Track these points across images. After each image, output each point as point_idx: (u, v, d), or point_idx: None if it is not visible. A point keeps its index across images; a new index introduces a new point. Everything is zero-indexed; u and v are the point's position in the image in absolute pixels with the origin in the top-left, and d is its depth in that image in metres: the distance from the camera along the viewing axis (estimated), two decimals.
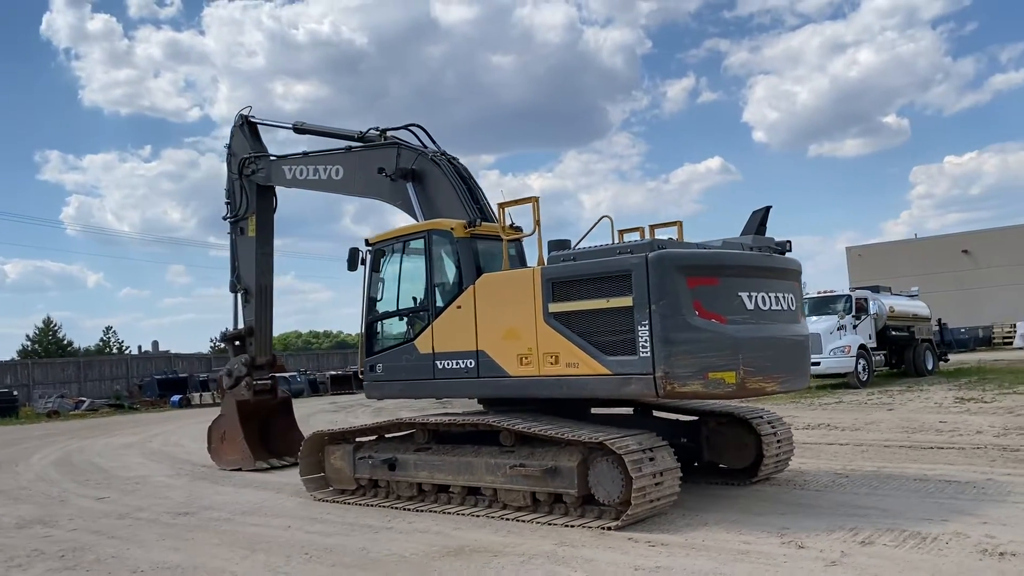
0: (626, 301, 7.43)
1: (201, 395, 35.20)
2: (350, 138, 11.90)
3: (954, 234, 55.76)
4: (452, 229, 8.95)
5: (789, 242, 8.93)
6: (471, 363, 8.60)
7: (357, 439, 9.86)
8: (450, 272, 9.05)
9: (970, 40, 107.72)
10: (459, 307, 8.72)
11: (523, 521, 7.83)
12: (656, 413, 9.85)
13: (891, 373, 25.79)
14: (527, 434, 7.97)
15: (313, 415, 24.34)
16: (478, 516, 8.19)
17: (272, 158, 12.92)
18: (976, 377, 22.90)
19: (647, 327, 7.28)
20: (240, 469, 12.65)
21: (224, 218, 13.64)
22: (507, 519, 7.95)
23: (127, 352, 55.00)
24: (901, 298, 26.36)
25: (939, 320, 28.71)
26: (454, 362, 8.76)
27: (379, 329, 9.75)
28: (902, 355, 25.27)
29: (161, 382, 38.15)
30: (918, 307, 26.49)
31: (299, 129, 12.67)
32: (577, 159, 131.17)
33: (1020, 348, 42.63)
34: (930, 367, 25.42)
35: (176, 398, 34.56)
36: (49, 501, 10.95)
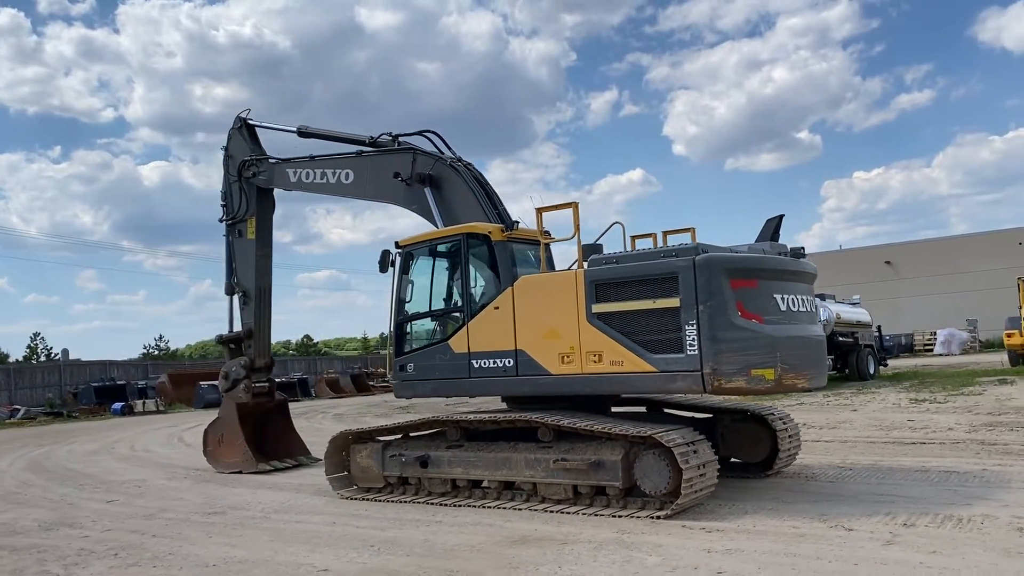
0: (673, 302, 7.85)
1: (144, 402, 34.36)
2: (360, 143, 12.06)
3: (878, 246, 58.30)
4: (490, 233, 9.24)
5: (803, 248, 9.50)
6: (509, 362, 8.89)
7: (381, 438, 10.05)
8: (486, 274, 9.32)
9: (878, 61, 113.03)
10: (497, 308, 9.01)
11: (567, 513, 8.16)
12: (667, 410, 10.28)
13: (835, 377, 26.93)
14: (571, 430, 8.30)
15: None
16: (520, 510, 8.48)
17: (274, 161, 12.97)
18: (916, 381, 24.16)
19: (694, 326, 7.71)
20: (240, 472, 12.64)
21: (220, 220, 13.61)
22: (551, 511, 8.26)
23: (56, 359, 53.09)
24: (845, 305, 27.60)
25: (878, 327, 30.12)
26: (491, 361, 9.03)
27: (410, 330, 9.96)
28: (846, 360, 26.44)
29: (98, 390, 37.11)
30: (861, 314, 27.77)
31: (303, 133, 12.74)
32: (503, 168, 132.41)
33: (941, 354, 44.84)
34: (872, 371, 26.66)
35: (118, 406, 33.63)
36: (55, 504, 10.79)
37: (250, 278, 13.26)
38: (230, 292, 13.59)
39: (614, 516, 7.90)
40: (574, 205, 8.80)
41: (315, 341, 77.77)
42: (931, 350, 46.98)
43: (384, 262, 9.87)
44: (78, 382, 39.93)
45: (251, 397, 13.03)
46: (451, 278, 9.65)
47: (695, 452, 7.84)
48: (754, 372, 7.77)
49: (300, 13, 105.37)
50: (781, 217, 9.84)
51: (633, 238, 10.33)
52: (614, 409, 9.79)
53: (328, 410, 29.18)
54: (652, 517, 7.69)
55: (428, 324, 9.89)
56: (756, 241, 9.78)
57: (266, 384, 13.37)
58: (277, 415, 13.73)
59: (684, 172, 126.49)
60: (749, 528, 7.16)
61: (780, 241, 9.80)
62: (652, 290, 8.00)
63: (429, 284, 9.78)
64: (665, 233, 10.32)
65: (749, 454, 9.76)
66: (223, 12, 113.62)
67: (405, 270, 9.90)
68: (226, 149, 13.52)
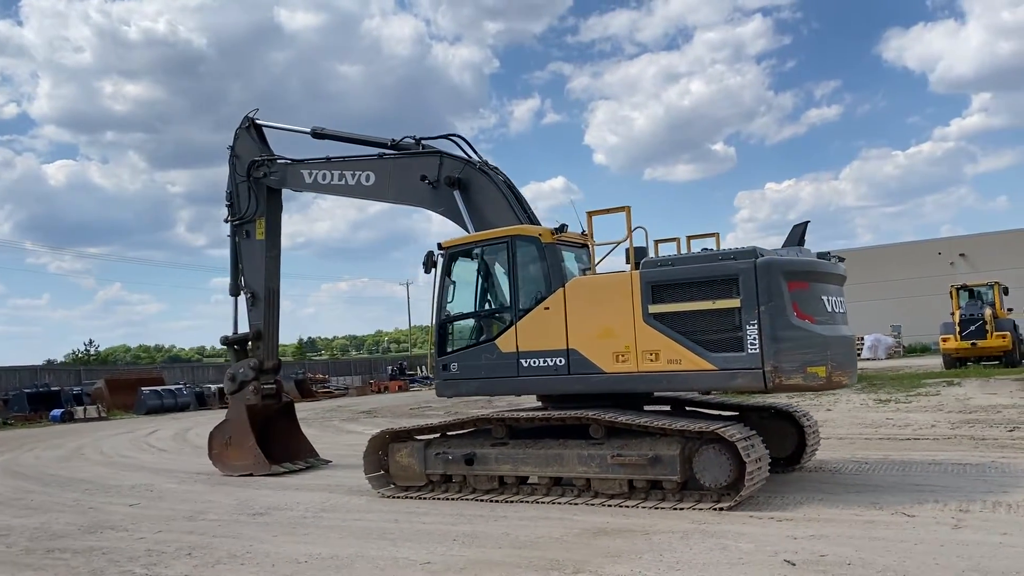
0: (733, 302, 8.23)
1: (85, 409, 33.23)
2: (380, 145, 12.13)
3: None
4: (540, 235, 9.45)
5: (829, 252, 10.00)
6: (561, 361, 9.13)
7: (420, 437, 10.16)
8: (535, 275, 9.50)
9: (790, 76, 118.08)
10: (547, 308, 9.23)
11: (625, 507, 8.41)
12: (688, 408, 10.65)
13: None
14: (637, 427, 8.55)
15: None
16: (576, 504, 8.71)
17: (288, 161, 12.91)
18: (866, 383, 25.21)
19: (755, 326, 8.09)
20: (251, 475, 12.51)
21: (225, 220, 13.46)
22: (608, 505, 8.50)
23: None
24: None
25: None
26: (542, 360, 9.25)
27: (453, 330, 10.09)
28: None
29: (31, 396, 35.64)
30: None
31: (318, 134, 12.72)
32: None
33: (868, 359, 46.76)
34: None
35: (57, 412, 32.47)
36: (76, 509, 10.52)
37: (259, 279, 13.15)
38: (235, 293, 13.46)
39: (674, 509, 8.20)
40: (626, 209, 9.11)
41: None
42: (859, 354, 48.93)
43: (428, 263, 9.99)
44: (7, 388, 38.33)
45: (261, 399, 12.93)
46: (497, 279, 9.82)
47: (752, 446, 8.22)
48: (809, 370, 8.21)
49: (217, 11, 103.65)
50: (807, 224, 10.29)
51: (656, 242, 10.69)
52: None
53: None
54: (716, 509, 8.02)
55: (472, 324, 10.03)
56: (783, 246, 10.24)
57: (273, 386, 13.28)
58: (283, 417, 13.62)
59: (604, 180, 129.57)
60: (815, 517, 7.55)
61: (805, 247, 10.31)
62: (711, 291, 8.36)
63: (474, 285, 9.93)
64: (689, 237, 10.71)
65: (776, 450, 10.11)
66: (135, 7, 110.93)
67: (448, 271, 10.03)
68: (232, 149, 13.38)
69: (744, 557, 6.31)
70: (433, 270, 10.04)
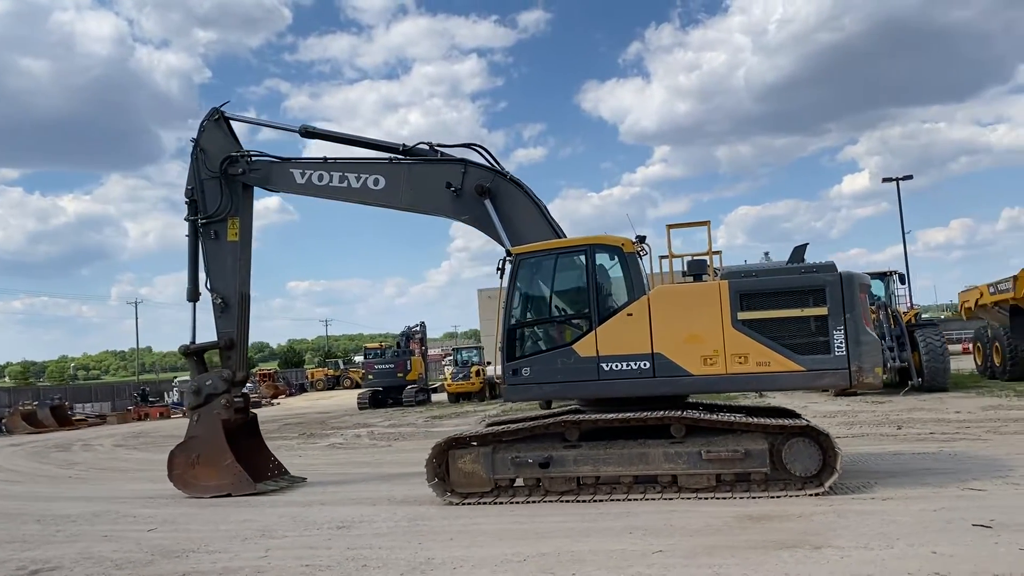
0: (821, 310, 9.27)
1: None
2: (391, 149, 11.88)
3: None
4: (622, 245, 9.90)
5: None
6: (646, 364, 9.62)
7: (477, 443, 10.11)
8: (616, 283, 9.93)
9: (501, 116, 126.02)
10: (630, 314, 9.70)
11: (720, 498, 9.06)
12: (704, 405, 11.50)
13: None
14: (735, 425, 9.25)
15: (65, 452, 21.08)
16: (671, 499, 9.22)
17: (274, 160, 12.15)
18: None
19: (842, 331, 9.19)
20: (228, 495, 11.53)
21: (187, 219, 12.33)
22: (702, 498, 9.11)
23: None
24: None
25: None
26: (624, 364, 9.68)
27: (524, 335, 10.16)
28: None
29: None
30: None
31: (308, 133, 12.13)
32: (122, 183, 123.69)
33: None
34: None
35: None
36: (91, 537, 9.20)
37: (230, 284, 12.18)
38: (194, 298, 12.36)
39: (771, 497, 8.99)
40: (707, 223, 9.87)
41: None
42: None
43: (502, 270, 10.04)
44: None
45: (233, 413, 11.96)
46: (572, 286, 10.08)
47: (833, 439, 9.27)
48: (876, 370, 9.43)
49: None
50: (806, 245, 11.65)
51: (661, 258, 11.64)
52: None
53: (69, 443, 25.81)
54: (809, 495, 8.93)
55: (545, 329, 10.19)
56: (788, 264, 11.52)
57: (241, 399, 12.33)
58: (247, 432, 12.62)
59: (319, 203, 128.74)
60: (912, 495, 8.64)
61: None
62: (799, 300, 9.34)
63: (547, 291, 10.11)
64: (694, 255, 11.70)
65: None
66: None
67: (518, 278, 10.12)
68: (197, 142, 12.34)
69: (928, 526, 7.26)
70: (503, 277, 10.11)
